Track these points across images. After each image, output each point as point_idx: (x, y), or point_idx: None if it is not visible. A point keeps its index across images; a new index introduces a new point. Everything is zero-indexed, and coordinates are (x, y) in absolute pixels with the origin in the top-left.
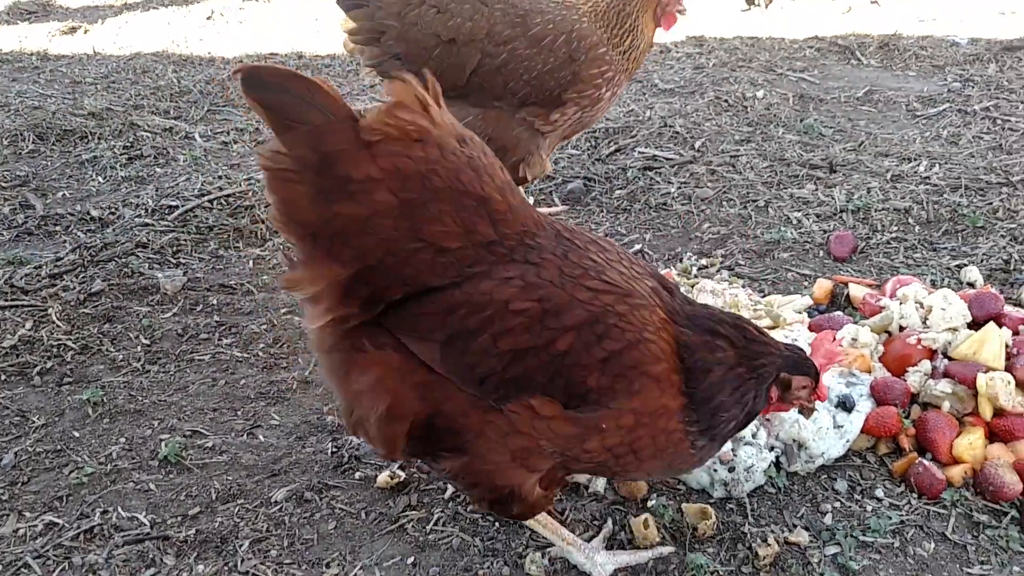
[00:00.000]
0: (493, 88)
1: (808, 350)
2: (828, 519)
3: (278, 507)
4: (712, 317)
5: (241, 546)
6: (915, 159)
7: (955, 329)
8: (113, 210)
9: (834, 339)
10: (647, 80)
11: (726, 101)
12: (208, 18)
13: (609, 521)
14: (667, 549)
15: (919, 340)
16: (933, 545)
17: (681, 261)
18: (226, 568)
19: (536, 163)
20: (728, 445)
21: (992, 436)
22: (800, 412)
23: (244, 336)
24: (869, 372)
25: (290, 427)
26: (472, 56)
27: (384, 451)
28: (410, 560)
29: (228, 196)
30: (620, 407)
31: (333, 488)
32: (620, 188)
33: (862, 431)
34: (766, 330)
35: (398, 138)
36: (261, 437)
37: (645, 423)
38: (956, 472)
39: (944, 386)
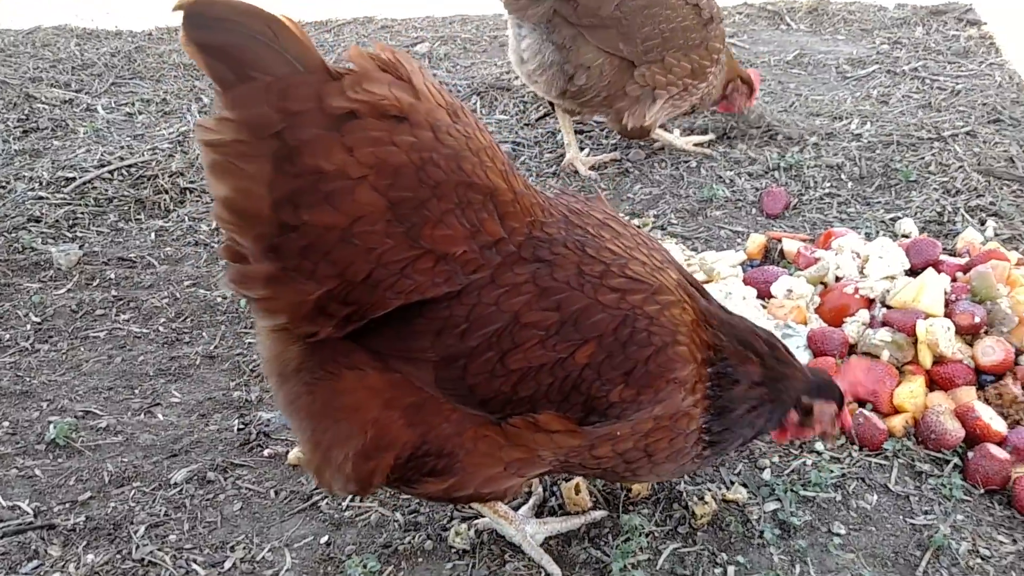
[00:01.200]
0: (630, 27)
1: (757, 313)
2: (767, 475)
3: (178, 489)
4: (747, 329)
5: (136, 532)
6: (846, 118)
7: (893, 277)
8: (3, 183)
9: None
10: None
11: None
12: None
13: (539, 488)
14: (600, 513)
15: (856, 289)
16: (876, 497)
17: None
18: (119, 556)
19: (639, 115)
20: None
21: (932, 384)
22: (821, 439)
23: (144, 311)
24: (805, 324)
25: (192, 404)
26: None
27: (355, 489)
28: (323, 539)
29: (130, 166)
30: (641, 415)
31: (239, 467)
32: (549, 152)
33: None
34: (794, 353)
35: (376, 117)
36: (160, 416)
37: (665, 426)
38: (897, 422)
39: (883, 335)
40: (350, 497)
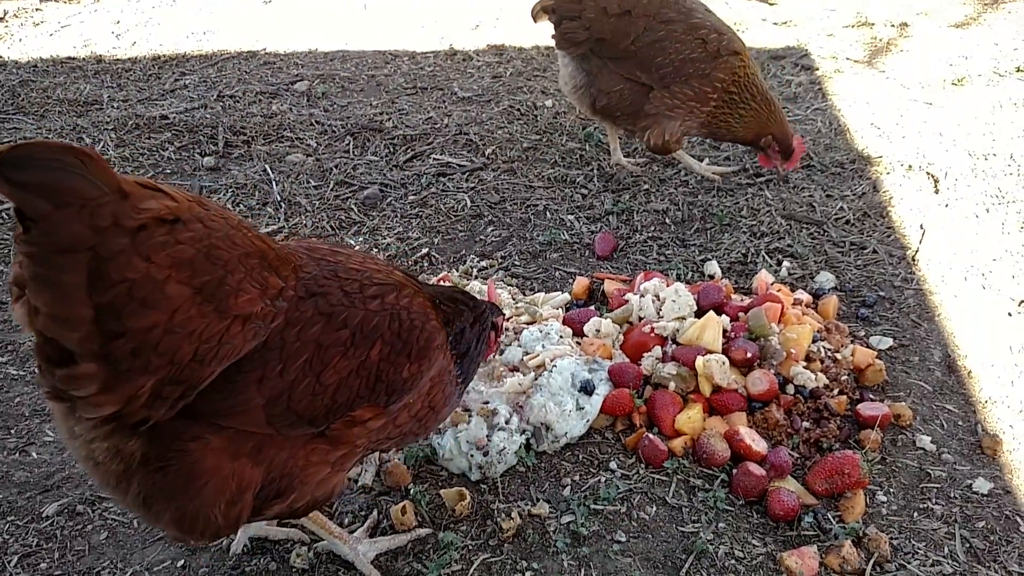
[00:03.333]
0: (644, 58)
1: (571, 349)
2: (567, 491)
3: (49, 522)
4: (447, 290)
5: (10, 562)
6: (676, 163)
7: (683, 318)
8: None
9: (493, 285)
10: (447, 88)
11: (518, 110)
12: (0, 19)
13: (374, 512)
14: (424, 531)
15: (652, 329)
16: (655, 509)
17: (464, 263)
18: None
19: (659, 135)
20: (483, 431)
21: (712, 410)
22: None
23: (20, 354)
24: (610, 358)
25: (64, 443)
26: (638, 26)
27: (227, 532)
28: (180, 563)
29: (5, 209)
30: (423, 382)
31: (106, 500)
32: (414, 194)
33: (601, 411)
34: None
35: (158, 226)
36: (34, 454)
37: (438, 382)
38: (677, 443)
39: (670, 368)
40: None
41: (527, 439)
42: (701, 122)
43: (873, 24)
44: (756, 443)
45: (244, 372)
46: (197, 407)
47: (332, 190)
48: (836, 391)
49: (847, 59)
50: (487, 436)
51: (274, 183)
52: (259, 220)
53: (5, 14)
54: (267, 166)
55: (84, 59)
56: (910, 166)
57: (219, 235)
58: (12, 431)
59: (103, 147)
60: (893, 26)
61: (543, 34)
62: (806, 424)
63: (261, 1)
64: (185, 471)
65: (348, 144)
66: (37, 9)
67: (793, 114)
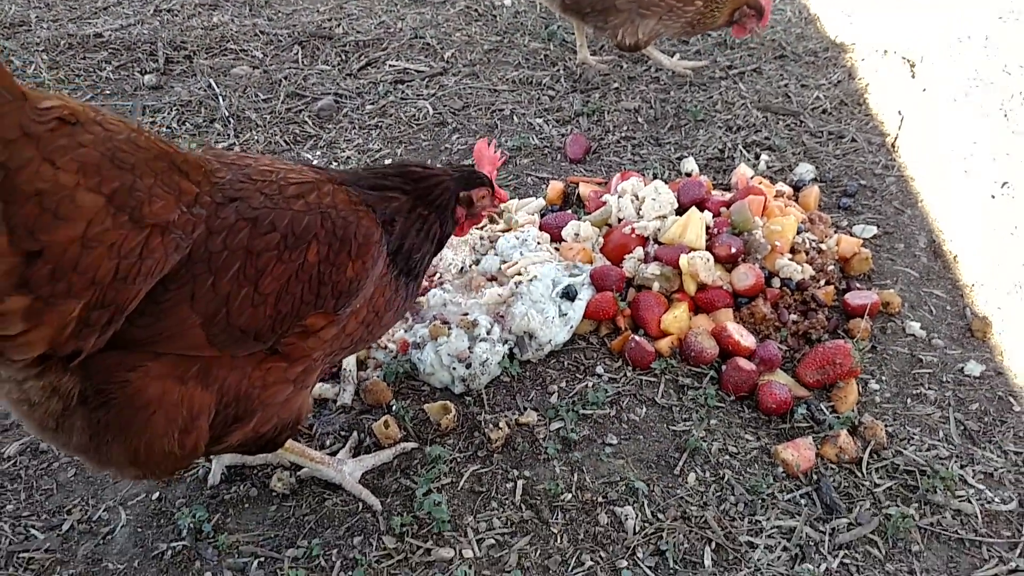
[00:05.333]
0: None
1: (551, 256)
2: (554, 399)
3: (11, 462)
4: (374, 174)
5: None
6: (645, 60)
7: (664, 216)
8: None
9: (488, 144)
10: None
11: (476, 10)
12: None
13: (355, 433)
14: (409, 445)
15: (633, 229)
16: (644, 410)
17: None
18: None
19: (632, 32)
20: (464, 343)
21: (698, 309)
22: (492, 221)
23: None
24: (591, 263)
25: None
26: None
27: (184, 464)
28: (155, 496)
29: None
30: (368, 283)
31: None
32: (371, 103)
33: (585, 316)
34: (424, 164)
35: (58, 128)
36: None
37: (379, 285)
38: (664, 344)
39: (653, 268)
40: None
41: (510, 349)
42: (687, 21)
43: None
44: (744, 338)
45: (172, 290)
46: (131, 335)
47: (283, 103)
48: (823, 282)
49: None
50: (469, 348)
51: (220, 98)
52: (208, 138)
53: None
54: (212, 80)
55: None
56: (885, 51)
57: (121, 137)
58: None
59: (35, 69)
60: None
61: None
62: (794, 317)
63: None
64: (129, 402)
65: (296, 54)
66: None
67: None
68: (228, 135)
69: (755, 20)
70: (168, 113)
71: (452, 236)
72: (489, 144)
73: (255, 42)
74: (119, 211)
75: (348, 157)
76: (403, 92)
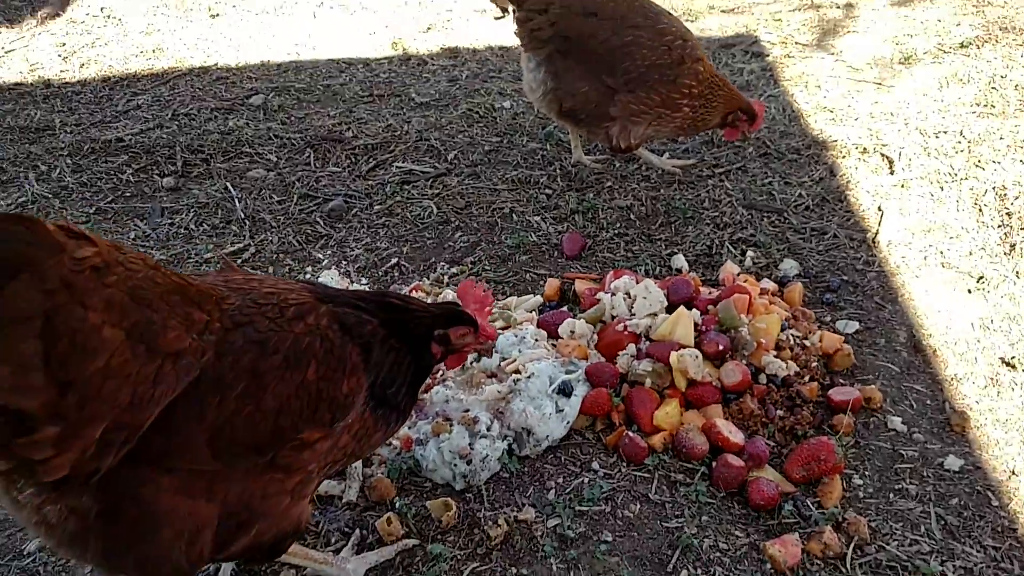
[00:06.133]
0: (610, 62)
1: (547, 352)
2: (552, 495)
3: (31, 558)
4: (352, 296)
5: None
6: (637, 159)
7: (655, 314)
8: None
9: (475, 283)
10: (404, 94)
11: (477, 113)
12: None
13: (357, 530)
14: (411, 541)
15: (625, 327)
16: (639, 506)
17: (435, 271)
18: None
19: (624, 137)
20: (465, 440)
21: (688, 404)
22: (480, 355)
23: None
24: (586, 359)
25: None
26: (605, 30)
27: (195, 570)
28: None
29: None
30: (360, 398)
31: None
32: (379, 203)
33: (581, 412)
34: (408, 298)
35: (88, 273)
36: None
37: (366, 403)
38: (657, 439)
39: (645, 365)
40: None
41: (509, 444)
42: (676, 126)
43: (820, 6)
44: (733, 434)
45: (182, 409)
46: (143, 452)
47: (296, 204)
48: (807, 378)
49: (796, 43)
50: (470, 445)
51: (236, 200)
52: (224, 239)
53: None
54: (228, 183)
55: (32, 84)
56: (864, 148)
57: (139, 276)
58: None
59: (60, 174)
60: (839, 7)
61: (496, 35)
62: (780, 412)
63: (208, 16)
64: (140, 517)
65: (309, 156)
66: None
67: None
68: (244, 236)
69: (747, 124)
70: (186, 214)
71: (444, 368)
72: (476, 284)
73: (269, 145)
74: (137, 343)
75: (357, 256)
76: (409, 192)
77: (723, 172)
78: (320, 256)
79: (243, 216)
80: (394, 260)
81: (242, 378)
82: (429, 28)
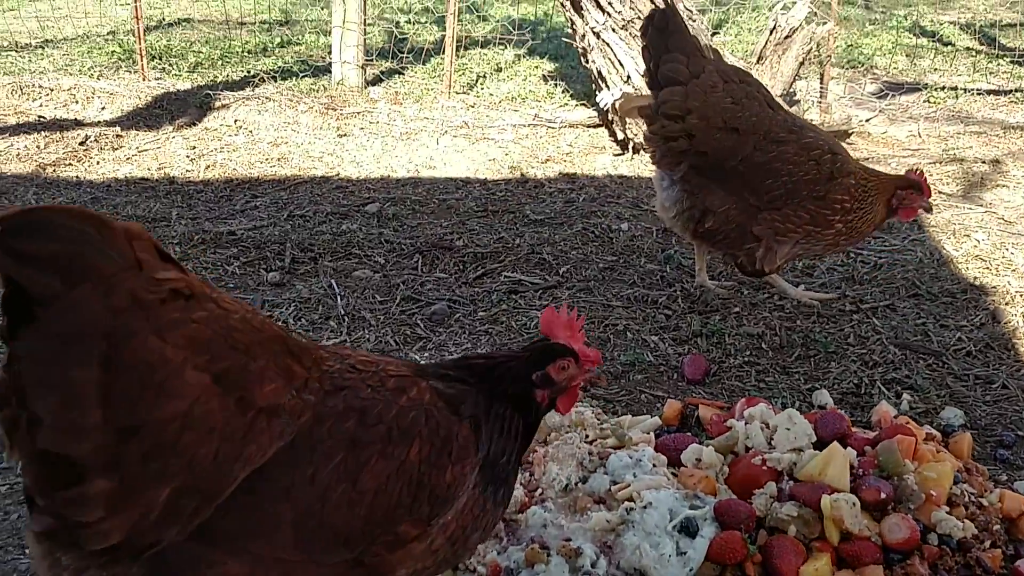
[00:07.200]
0: (752, 179)
1: (666, 480)
2: None
3: None
4: (440, 367)
5: None
6: (768, 287)
7: (800, 449)
8: None
9: (558, 309)
10: (519, 212)
11: (593, 232)
12: (81, 144)
13: None
14: None
15: (764, 460)
16: None
17: None
18: None
19: (770, 258)
20: (564, 574)
21: (840, 562)
22: (590, 386)
23: None
24: (715, 494)
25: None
26: (746, 146)
27: None
28: None
29: None
30: (463, 492)
31: None
32: (483, 311)
33: (706, 558)
34: (487, 353)
35: (171, 300)
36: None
37: (468, 497)
38: None
39: (789, 508)
40: None
41: None
42: (828, 243)
43: (963, 160)
44: None
45: (269, 480)
46: (212, 526)
47: (398, 305)
48: (988, 543)
49: (940, 192)
50: None
51: (339, 297)
52: (320, 334)
53: (87, 139)
54: (333, 281)
55: (157, 180)
56: None
57: (236, 317)
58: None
59: None
60: (984, 163)
61: (616, 167)
62: None
63: (336, 135)
64: None
65: (417, 261)
66: (118, 135)
67: (890, 244)
68: (341, 332)
69: (917, 196)
70: (286, 308)
71: (559, 413)
72: (558, 309)
73: (379, 249)
74: (227, 392)
75: None
76: (516, 302)
77: (869, 308)
78: (417, 358)
79: (343, 313)
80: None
81: (340, 448)
82: (548, 160)
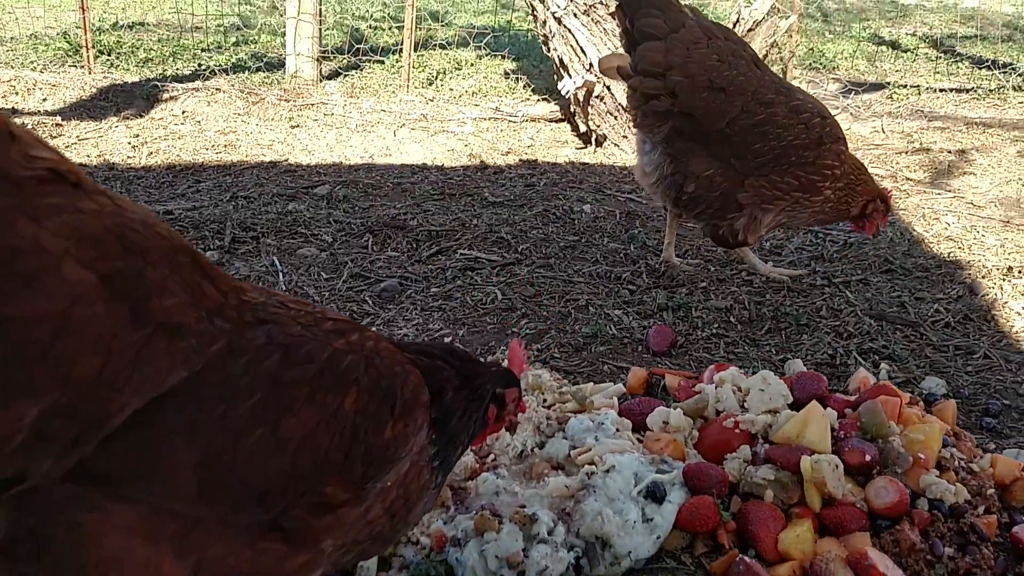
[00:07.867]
0: (740, 143)
1: (631, 445)
2: None
3: None
4: (422, 343)
5: None
6: (736, 264)
7: (775, 411)
8: None
9: (520, 345)
10: (477, 195)
11: (554, 214)
12: None
13: None
14: None
15: (737, 423)
16: None
17: (493, 354)
18: None
19: (753, 228)
20: (517, 542)
21: (823, 529)
22: (507, 430)
23: None
24: (683, 459)
25: None
26: (734, 107)
27: None
28: None
29: None
30: (404, 455)
31: None
32: (437, 287)
33: (675, 526)
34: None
35: (52, 183)
36: None
37: (415, 462)
38: (783, 570)
39: (766, 472)
40: None
41: (576, 558)
42: (814, 212)
43: (930, 150)
44: (891, 571)
45: (169, 413)
46: (96, 465)
47: (345, 282)
48: (981, 509)
49: (908, 179)
50: (523, 550)
51: (281, 274)
52: None
53: (22, 127)
54: (275, 259)
55: (96, 166)
56: (1010, 268)
57: (132, 216)
58: None
59: None
60: (950, 152)
61: (579, 157)
62: (949, 551)
63: (288, 125)
64: (74, 554)
65: (367, 240)
66: (57, 124)
67: None
68: None
69: (883, 216)
70: None
71: (473, 445)
72: (522, 345)
73: (327, 228)
74: (117, 297)
75: (405, 334)
76: (472, 278)
77: (841, 282)
78: None
79: (284, 289)
80: (448, 340)
81: (259, 386)
82: (509, 152)
